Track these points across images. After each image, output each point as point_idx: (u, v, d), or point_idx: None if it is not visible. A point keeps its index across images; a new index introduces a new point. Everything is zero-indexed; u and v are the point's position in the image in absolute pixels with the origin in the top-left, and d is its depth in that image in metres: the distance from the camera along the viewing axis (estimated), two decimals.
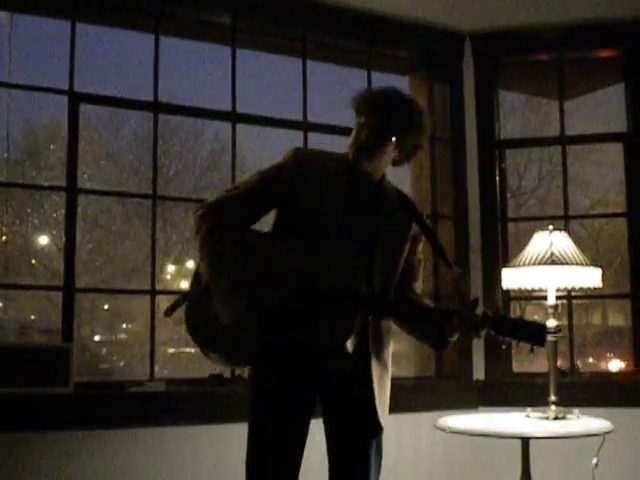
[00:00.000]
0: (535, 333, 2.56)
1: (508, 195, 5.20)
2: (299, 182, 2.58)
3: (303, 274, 2.48)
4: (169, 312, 2.63)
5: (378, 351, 2.66)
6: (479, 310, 2.56)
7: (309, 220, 2.58)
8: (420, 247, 2.81)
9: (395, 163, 2.80)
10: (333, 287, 2.51)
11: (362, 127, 2.64)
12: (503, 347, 2.72)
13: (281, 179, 2.61)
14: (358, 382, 2.62)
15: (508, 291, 4.51)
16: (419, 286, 2.84)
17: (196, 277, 2.57)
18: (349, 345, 2.57)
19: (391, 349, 2.77)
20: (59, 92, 4.06)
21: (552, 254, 3.86)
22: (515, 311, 8.84)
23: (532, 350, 2.59)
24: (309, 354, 2.54)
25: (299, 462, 2.61)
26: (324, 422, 2.71)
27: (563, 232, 4.02)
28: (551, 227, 3.98)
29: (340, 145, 4.92)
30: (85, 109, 4.14)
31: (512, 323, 2.61)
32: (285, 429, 2.58)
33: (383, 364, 2.69)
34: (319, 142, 4.61)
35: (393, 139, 2.67)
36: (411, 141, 2.77)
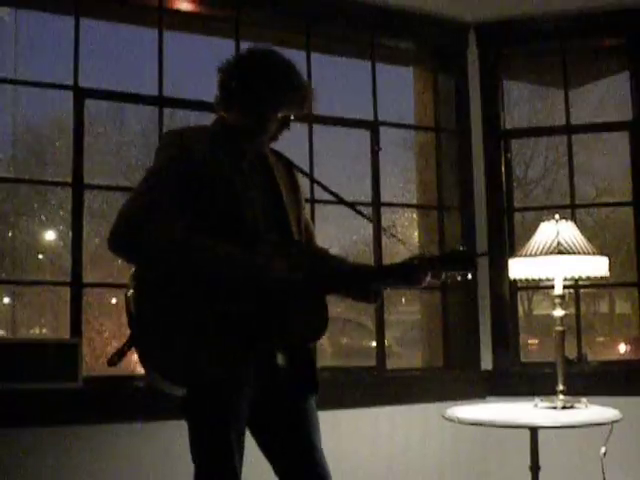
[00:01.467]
0: (462, 260, 2.62)
1: (514, 185, 5.21)
2: (196, 170, 2.42)
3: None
4: (114, 362, 2.50)
5: None
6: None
7: (224, 209, 2.45)
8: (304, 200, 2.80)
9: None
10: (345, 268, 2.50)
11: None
12: (447, 280, 2.71)
13: (182, 172, 2.41)
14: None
15: (515, 281, 4.51)
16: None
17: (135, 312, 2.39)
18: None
19: None
20: (64, 88, 4.07)
21: (559, 243, 3.86)
22: (522, 301, 8.84)
23: (464, 275, 2.63)
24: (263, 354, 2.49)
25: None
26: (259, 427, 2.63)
27: (569, 221, 4.02)
28: (557, 216, 3.98)
29: (347, 137, 4.94)
30: (90, 104, 4.15)
31: (437, 259, 2.66)
32: (242, 438, 2.50)
33: None
34: (324, 134, 4.62)
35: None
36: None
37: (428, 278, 2.63)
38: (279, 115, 2.60)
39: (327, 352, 6.24)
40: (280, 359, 2.53)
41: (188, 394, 2.46)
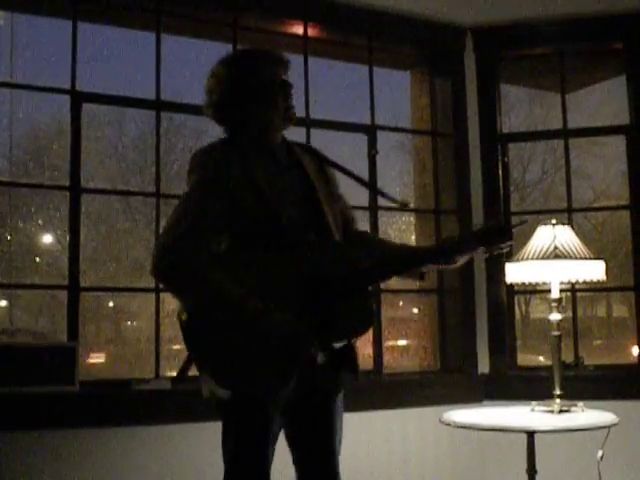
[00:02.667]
0: (497, 232, 2.63)
1: (512, 188, 5.22)
2: (227, 187, 2.46)
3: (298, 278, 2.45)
4: (179, 379, 2.63)
5: None
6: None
7: (259, 221, 2.49)
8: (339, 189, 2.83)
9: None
10: (335, 276, 2.49)
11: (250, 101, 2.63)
12: (486, 255, 2.73)
13: (217, 195, 2.46)
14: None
15: (512, 285, 4.51)
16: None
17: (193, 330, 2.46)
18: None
19: None
20: (61, 92, 4.06)
21: (555, 248, 3.87)
22: (520, 305, 8.85)
23: (502, 249, 2.66)
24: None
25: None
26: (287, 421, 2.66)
27: (566, 226, 4.03)
28: (554, 221, 3.98)
29: (344, 141, 4.95)
30: (88, 108, 4.15)
31: (473, 234, 2.69)
32: (269, 449, 2.55)
33: None
34: (321, 138, 4.62)
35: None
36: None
37: (465, 257, 2.67)
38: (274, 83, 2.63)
39: None
40: (320, 358, 2.53)
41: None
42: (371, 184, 2.82)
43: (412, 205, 5.18)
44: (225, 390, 2.48)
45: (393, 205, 2.90)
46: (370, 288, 2.61)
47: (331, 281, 2.47)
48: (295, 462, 2.71)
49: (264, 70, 2.64)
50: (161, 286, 4.16)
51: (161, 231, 2.51)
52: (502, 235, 2.63)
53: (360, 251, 2.68)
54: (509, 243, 2.66)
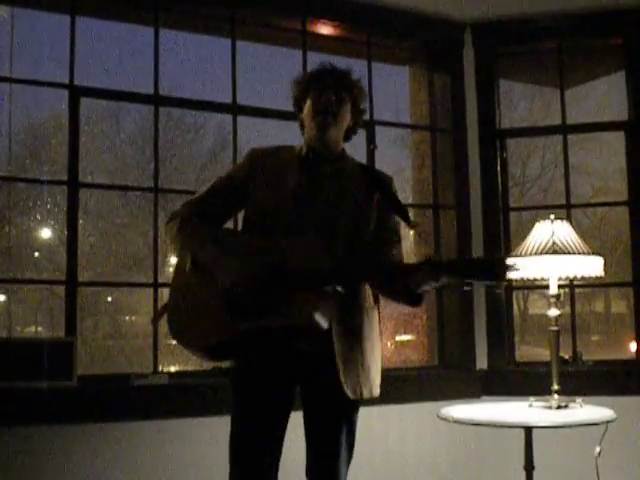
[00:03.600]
0: (490, 268, 2.50)
1: (511, 184, 5.21)
2: (253, 176, 2.73)
3: (268, 259, 2.53)
4: (155, 321, 2.80)
5: (345, 326, 2.64)
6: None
7: (266, 208, 2.68)
8: (391, 215, 2.81)
9: (348, 135, 2.85)
10: (299, 267, 2.51)
11: (310, 109, 2.73)
12: (466, 289, 2.70)
13: (236, 177, 2.77)
14: (326, 360, 2.61)
15: (510, 280, 4.51)
16: (399, 254, 2.84)
17: (174, 279, 2.76)
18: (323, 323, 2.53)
19: (374, 324, 2.79)
20: (59, 86, 4.07)
21: (554, 243, 3.86)
22: (518, 300, 8.85)
23: (495, 287, 2.66)
24: (282, 339, 2.57)
25: (278, 455, 2.69)
26: (303, 410, 2.76)
27: (565, 221, 4.02)
28: (552, 216, 3.98)
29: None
30: (86, 102, 4.14)
31: (465, 262, 2.65)
32: (264, 422, 2.65)
33: (353, 338, 2.67)
34: None
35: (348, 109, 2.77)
36: (361, 106, 2.85)
37: (449, 279, 2.57)
38: (326, 107, 2.71)
39: None
40: (302, 345, 2.62)
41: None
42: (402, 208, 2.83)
43: (410, 200, 5.18)
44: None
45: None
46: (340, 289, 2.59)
47: (291, 273, 2.52)
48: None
49: (325, 87, 2.74)
50: (160, 281, 4.17)
51: None
52: (490, 273, 2.52)
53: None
54: (497, 284, 2.66)
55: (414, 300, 2.69)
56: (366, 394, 2.69)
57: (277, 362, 2.65)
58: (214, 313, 2.53)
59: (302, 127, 2.84)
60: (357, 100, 2.79)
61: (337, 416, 2.72)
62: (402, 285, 2.63)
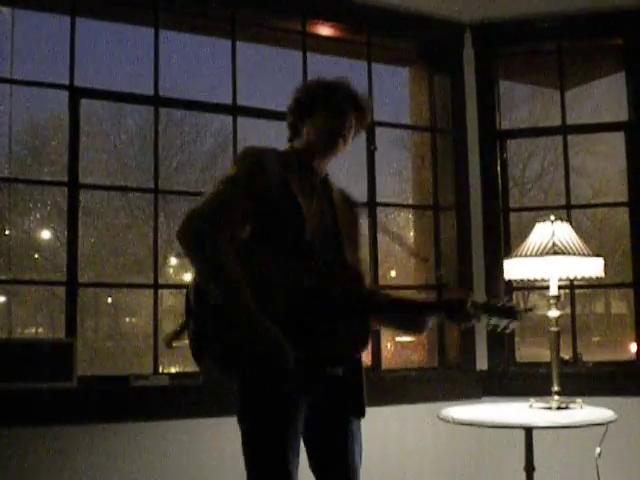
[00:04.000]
0: (510, 312, 2.73)
1: (511, 185, 5.21)
2: (269, 183, 2.52)
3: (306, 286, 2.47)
4: (169, 343, 2.61)
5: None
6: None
7: (289, 221, 2.52)
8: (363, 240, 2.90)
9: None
10: (340, 294, 2.52)
11: (321, 127, 2.67)
12: (488, 328, 2.80)
13: (255, 185, 2.50)
14: (349, 383, 2.68)
15: (510, 282, 4.51)
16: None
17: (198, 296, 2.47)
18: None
19: None
20: (60, 87, 4.06)
21: (554, 244, 3.86)
22: (518, 301, 8.85)
23: (506, 328, 2.73)
24: (320, 366, 2.53)
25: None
26: (315, 435, 2.70)
27: (565, 222, 4.02)
28: (553, 217, 3.98)
29: None
30: (86, 103, 4.14)
31: (492, 307, 2.73)
32: (295, 444, 2.55)
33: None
34: None
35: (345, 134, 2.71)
36: (359, 128, 2.83)
37: (471, 322, 2.73)
38: (344, 132, 2.68)
39: None
40: (337, 370, 2.59)
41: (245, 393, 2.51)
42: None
43: (410, 201, 5.18)
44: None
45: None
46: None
47: (337, 299, 2.50)
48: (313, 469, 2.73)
49: (348, 114, 2.70)
50: (160, 281, 4.17)
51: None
52: (509, 316, 2.73)
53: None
54: (514, 324, 2.72)
55: (421, 329, 2.80)
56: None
57: (311, 388, 2.55)
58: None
59: (296, 132, 2.76)
60: (361, 129, 2.83)
61: (356, 434, 2.82)
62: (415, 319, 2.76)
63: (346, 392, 2.68)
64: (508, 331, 2.81)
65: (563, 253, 3.84)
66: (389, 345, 5.05)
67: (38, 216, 5.06)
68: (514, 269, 3.99)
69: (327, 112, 2.67)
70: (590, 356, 4.82)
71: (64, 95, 4.05)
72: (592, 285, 5.19)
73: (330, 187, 2.77)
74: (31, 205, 5.00)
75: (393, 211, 5.18)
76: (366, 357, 4.65)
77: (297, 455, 2.54)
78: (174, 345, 2.60)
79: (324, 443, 2.72)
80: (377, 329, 2.98)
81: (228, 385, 2.65)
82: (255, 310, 2.32)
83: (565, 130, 4.95)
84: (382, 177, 4.83)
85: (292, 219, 2.52)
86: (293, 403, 2.49)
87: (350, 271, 2.64)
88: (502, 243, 4.84)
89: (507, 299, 2.81)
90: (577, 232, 4.02)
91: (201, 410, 3.95)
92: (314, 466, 2.72)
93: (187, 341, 2.51)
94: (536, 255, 3.88)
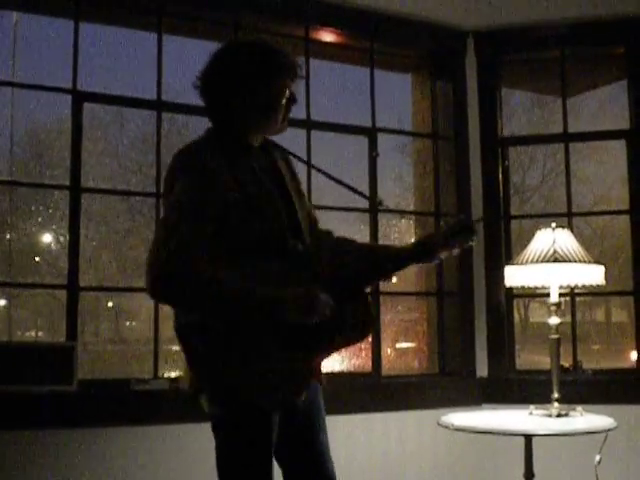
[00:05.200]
0: (463, 230, 2.72)
1: (512, 192, 5.21)
2: (224, 192, 2.31)
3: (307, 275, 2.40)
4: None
5: None
6: None
7: (253, 227, 2.35)
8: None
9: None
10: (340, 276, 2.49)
11: (293, 98, 2.50)
12: (456, 252, 2.79)
13: (214, 200, 2.28)
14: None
15: (511, 288, 4.52)
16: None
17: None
18: None
19: None
20: (62, 91, 4.07)
21: (555, 252, 3.87)
22: (519, 308, 8.85)
23: (470, 240, 2.73)
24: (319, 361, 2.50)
25: None
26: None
27: (566, 229, 4.03)
28: (554, 225, 3.98)
29: (345, 143, 4.95)
30: (89, 108, 4.15)
31: (443, 234, 2.73)
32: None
33: None
34: (322, 140, 4.62)
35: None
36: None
37: (443, 254, 2.71)
38: (284, 96, 2.48)
39: None
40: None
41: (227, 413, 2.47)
42: (341, 181, 2.77)
43: (411, 207, 5.18)
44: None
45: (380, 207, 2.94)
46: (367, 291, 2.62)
47: (333, 284, 2.41)
48: (287, 476, 2.65)
49: (279, 77, 2.47)
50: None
51: (151, 246, 2.22)
52: (466, 232, 2.71)
53: (347, 256, 2.69)
54: (473, 238, 2.72)
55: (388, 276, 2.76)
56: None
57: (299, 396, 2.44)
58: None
59: (222, 110, 2.50)
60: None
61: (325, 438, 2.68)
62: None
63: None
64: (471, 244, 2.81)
65: (564, 260, 3.84)
66: (389, 351, 5.04)
67: (40, 220, 5.06)
68: (515, 276, 4.00)
69: (284, 85, 2.48)
70: (590, 364, 4.82)
71: (67, 99, 4.06)
72: (593, 293, 5.19)
73: (271, 153, 2.59)
74: (33, 209, 5.01)
75: (394, 218, 5.17)
76: (366, 363, 4.66)
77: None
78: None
79: (289, 433, 2.56)
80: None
81: None
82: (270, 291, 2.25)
83: (567, 138, 4.95)
84: (384, 183, 4.83)
85: (257, 221, 2.36)
86: (273, 420, 2.41)
87: (315, 247, 2.56)
88: (503, 250, 4.84)
89: (460, 216, 2.81)
90: (578, 240, 4.02)
91: (201, 414, 3.94)
92: (285, 469, 2.64)
93: None
94: (537, 262, 3.88)
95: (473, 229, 2.73)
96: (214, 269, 2.22)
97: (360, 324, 2.48)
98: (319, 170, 2.79)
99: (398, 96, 5.42)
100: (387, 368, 4.74)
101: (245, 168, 2.43)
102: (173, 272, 2.15)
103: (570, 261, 3.85)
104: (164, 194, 2.42)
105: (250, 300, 2.23)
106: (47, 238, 5.57)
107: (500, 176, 4.93)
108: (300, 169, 2.78)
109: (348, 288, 2.48)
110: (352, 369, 4.67)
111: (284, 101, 2.48)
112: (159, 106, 4.25)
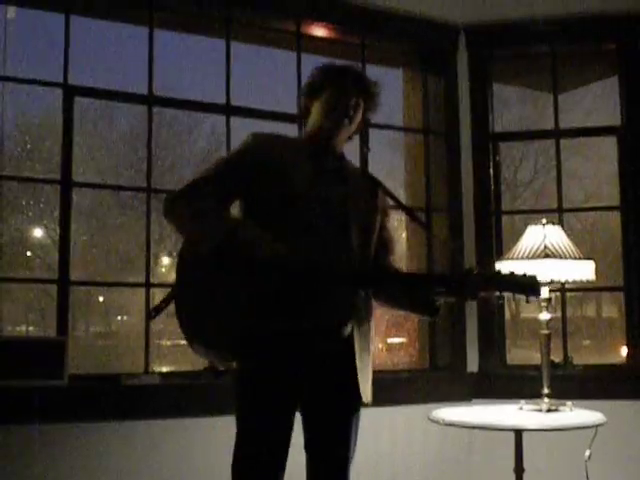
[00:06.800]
0: (528, 284, 2.54)
1: (503, 187, 5.22)
2: (260, 163, 2.58)
3: (295, 256, 2.44)
4: (153, 315, 2.58)
5: (360, 328, 2.63)
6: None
7: (281, 200, 2.55)
8: (390, 221, 2.88)
9: (351, 136, 2.85)
10: (329, 265, 2.51)
11: (327, 105, 2.71)
12: (500, 302, 2.72)
13: (245, 164, 2.60)
14: (342, 360, 2.60)
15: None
16: (395, 261, 2.86)
17: (179, 269, 2.53)
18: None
19: (373, 329, 2.76)
20: (53, 85, 4.07)
21: (545, 247, 3.87)
22: (509, 304, 8.87)
23: (527, 301, 2.58)
24: (302, 339, 2.51)
25: (286, 454, 2.58)
26: (303, 406, 2.66)
27: (556, 225, 4.04)
28: (544, 220, 3.99)
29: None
30: (79, 102, 4.14)
31: (504, 277, 2.57)
32: (274, 423, 2.54)
33: (364, 341, 2.65)
34: None
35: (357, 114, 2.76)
36: (367, 108, 2.83)
37: (482, 293, 2.60)
38: (349, 109, 2.72)
39: None
40: (326, 345, 2.58)
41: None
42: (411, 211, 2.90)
43: (403, 202, 5.17)
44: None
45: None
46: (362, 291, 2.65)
47: (324, 269, 2.49)
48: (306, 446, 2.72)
49: (352, 92, 2.73)
50: (152, 280, 4.17)
51: None
52: (526, 288, 2.55)
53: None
54: (532, 296, 2.57)
55: (433, 312, 2.71)
56: (370, 398, 2.71)
57: (295, 362, 2.54)
58: (244, 308, 2.43)
59: (306, 115, 2.80)
60: (370, 111, 2.83)
61: (349, 417, 2.73)
62: (422, 296, 2.70)
63: (343, 378, 2.62)
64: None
65: (554, 256, 3.85)
66: (380, 346, 5.05)
67: (30, 214, 5.05)
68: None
69: (332, 91, 2.71)
70: (580, 359, 4.84)
71: (57, 93, 4.05)
72: (583, 288, 5.21)
73: (348, 169, 2.80)
74: (23, 203, 4.99)
75: None
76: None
77: (277, 429, 2.55)
78: (153, 315, 2.58)
79: (321, 427, 2.70)
80: (390, 307, 2.89)
81: (219, 384, 2.66)
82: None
83: (558, 134, 4.96)
84: None
85: (279, 198, 2.54)
86: (266, 377, 2.51)
87: (352, 255, 2.61)
88: (494, 246, 4.85)
89: (524, 272, 2.66)
90: (568, 235, 4.03)
91: (192, 409, 3.95)
92: (307, 447, 2.70)
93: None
94: (528, 258, 3.89)
95: (538, 289, 2.57)
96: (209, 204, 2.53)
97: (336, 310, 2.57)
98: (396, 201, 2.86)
99: (389, 91, 5.41)
100: (378, 363, 4.74)
101: (305, 165, 2.65)
102: (180, 194, 2.57)
103: (561, 257, 3.85)
104: None
105: (240, 227, 2.48)
106: (38, 232, 5.56)
107: (491, 171, 4.93)
108: None
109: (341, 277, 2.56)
110: None
111: (350, 108, 2.72)
112: (150, 100, 4.24)
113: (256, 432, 2.54)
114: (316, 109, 2.73)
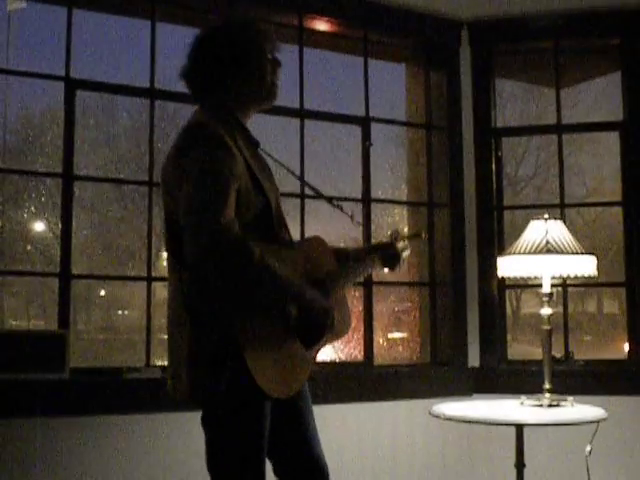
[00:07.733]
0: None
1: (505, 183, 5.21)
2: (240, 169, 2.33)
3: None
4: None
5: None
6: None
7: (259, 205, 2.39)
8: None
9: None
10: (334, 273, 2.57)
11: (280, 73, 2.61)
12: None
13: (238, 175, 2.31)
14: None
15: (503, 279, 4.52)
16: None
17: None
18: None
19: None
20: (55, 79, 4.06)
21: (547, 242, 3.87)
22: (511, 299, 8.86)
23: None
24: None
25: None
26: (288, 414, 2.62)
27: (558, 220, 4.03)
28: (546, 215, 3.99)
29: (338, 133, 4.94)
30: (81, 95, 4.14)
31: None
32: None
33: None
34: (315, 129, 4.62)
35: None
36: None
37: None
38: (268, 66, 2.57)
39: None
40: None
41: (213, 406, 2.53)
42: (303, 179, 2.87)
43: (404, 197, 5.18)
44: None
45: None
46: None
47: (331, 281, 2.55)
48: (276, 464, 2.68)
49: (259, 42, 2.56)
50: (153, 274, 4.16)
51: (190, 208, 2.22)
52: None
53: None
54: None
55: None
56: None
57: None
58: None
59: (214, 89, 2.55)
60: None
61: (312, 422, 2.71)
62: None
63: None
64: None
65: (556, 251, 3.85)
66: (381, 341, 5.04)
67: (32, 207, 5.04)
68: (507, 267, 4.00)
69: (271, 62, 2.58)
70: (582, 354, 4.84)
71: (59, 86, 4.05)
72: (585, 284, 5.21)
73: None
74: (25, 196, 4.98)
75: (387, 207, 5.17)
76: (358, 353, 4.67)
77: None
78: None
79: (284, 439, 2.63)
80: None
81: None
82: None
83: (560, 129, 4.96)
84: (377, 173, 4.83)
85: (263, 204, 2.40)
86: (266, 409, 2.42)
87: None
88: (496, 241, 4.85)
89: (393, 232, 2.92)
90: (570, 231, 4.03)
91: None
92: (277, 467, 2.67)
93: None
94: (529, 253, 3.89)
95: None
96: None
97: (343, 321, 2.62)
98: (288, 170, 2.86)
99: (392, 86, 5.41)
100: (379, 358, 4.75)
101: (244, 146, 2.45)
102: (231, 236, 2.15)
103: (562, 252, 3.85)
104: (174, 166, 2.42)
105: (274, 279, 2.23)
106: (39, 226, 5.55)
107: (493, 167, 4.93)
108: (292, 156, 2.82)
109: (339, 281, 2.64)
110: (344, 358, 4.68)
111: (267, 61, 2.56)
112: (152, 94, 4.24)
113: (261, 459, 2.44)
114: (236, 84, 2.54)
